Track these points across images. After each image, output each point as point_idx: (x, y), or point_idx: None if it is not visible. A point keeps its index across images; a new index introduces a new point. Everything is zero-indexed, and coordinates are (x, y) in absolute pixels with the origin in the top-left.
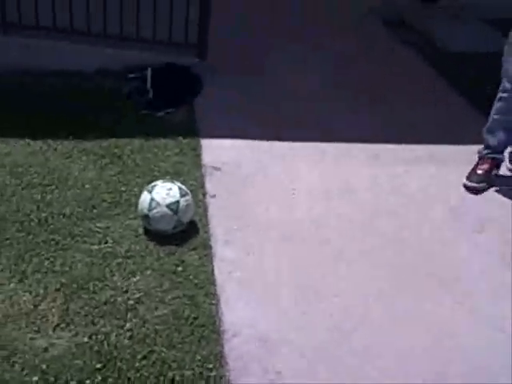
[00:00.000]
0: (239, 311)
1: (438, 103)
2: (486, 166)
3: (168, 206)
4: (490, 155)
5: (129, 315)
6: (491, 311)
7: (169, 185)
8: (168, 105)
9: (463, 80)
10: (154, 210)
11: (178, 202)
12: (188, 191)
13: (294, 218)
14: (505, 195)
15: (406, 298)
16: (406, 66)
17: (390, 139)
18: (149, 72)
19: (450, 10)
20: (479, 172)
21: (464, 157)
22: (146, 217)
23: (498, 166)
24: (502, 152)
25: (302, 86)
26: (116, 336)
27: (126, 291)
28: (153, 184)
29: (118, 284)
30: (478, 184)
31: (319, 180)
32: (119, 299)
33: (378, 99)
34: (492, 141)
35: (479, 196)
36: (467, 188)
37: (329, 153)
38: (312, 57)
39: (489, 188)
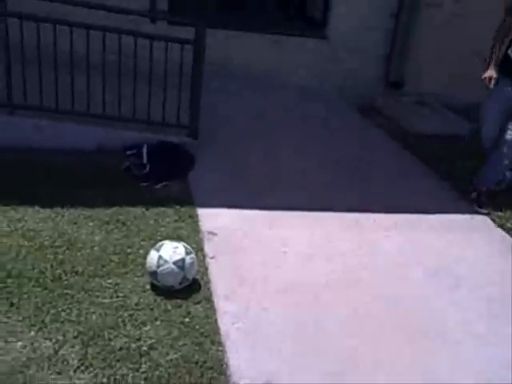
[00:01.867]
0: (243, 356)
1: (410, 177)
2: None
3: (175, 263)
4: None
5: (143, 359)
6: (474, 358)
7: (175, 244)
8: (164, 178)
9: (431, 157)
10: (162, 267)
11: (183, 259)
12: (192, 250)
13: (286, 276)
14: (476, 256)
15: (395, 348)
16: (379, 146)
17: (370, 208)
18: (145, 149)
19: (413, 97)
20: None
21: (434, 223)
22: (154, 273)
23: None
24: None
25: (289, 159)
26: (132, 378)
27: (139, 339)
28: (160, 243)
29: (131, 332)
30: None
31: (307, 243)
32: (133, 345)
33: (357, 173)
34: None
35: (453, 256)
36: None
37: (315, 218)
38: (298, 136)
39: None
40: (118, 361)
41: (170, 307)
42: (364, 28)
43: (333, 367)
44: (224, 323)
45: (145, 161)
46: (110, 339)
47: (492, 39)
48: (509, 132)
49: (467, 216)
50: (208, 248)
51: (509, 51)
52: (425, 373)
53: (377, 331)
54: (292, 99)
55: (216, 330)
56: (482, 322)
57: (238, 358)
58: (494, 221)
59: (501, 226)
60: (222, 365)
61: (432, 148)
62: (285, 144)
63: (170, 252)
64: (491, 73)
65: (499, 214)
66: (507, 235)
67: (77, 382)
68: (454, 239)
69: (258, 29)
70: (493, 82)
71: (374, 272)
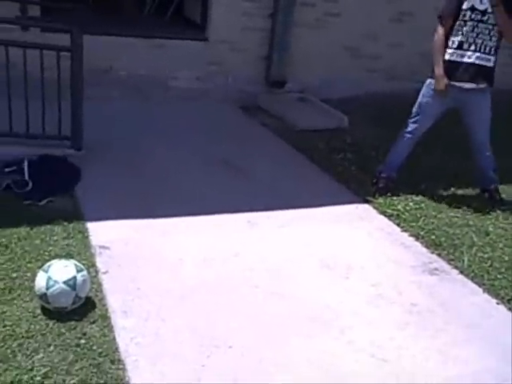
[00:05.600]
0: (145, 372)
1: (296, 172)
2: None
3: (65, 282)
4: None
5: None
6: (367, 341)
7: (64, 262)
8: (48, 194)
9: (313, 151)
10: (52, 288)
11: (75, 277)
12: (83, 267)
13: (183, 283)
14: (363, 244)
15: (294, 341)
16: (265, 143)
17: (261, 206)
18: (25, 164)
19: (295, 94)
20: None
21: (323, 215)
22: (44, 295)
23: None
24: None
25: (177, 165)
26: None
27: (31, 369)
28: (48, 264)
29: (22, 363)
30: None
31: (202, 248)
32: (25, 377)
33: (245, 173)
34: None
35: (342, 246)
36: None
37: (209, 222)
38: (185, 140)
39: None
40: None
41: (63, 330)
42: (243, 29)
43: (240, 371)
44: (122, 340)
45: (26, 177)
46: None
47: (432, 52)
48: (483, 133)
49: (352, 206)
50: (100, 263)
51: (447, 56)
52: (322, 359)
53: (276, 329)
54: (176, 103)
55: (114, 348)
56: (372, 306)
57: (139, 374)
58: (376, 209)
59: (383, 213)
60: None
61: (315, 142)
62: (172, 149)
63: (60, 271)
64: (444, 82)
65: (380, 201)
66: (389, 221)
67: None
68: (342, 229)
69: (138, 33)
70: (447, 90)
71: (270, 269)
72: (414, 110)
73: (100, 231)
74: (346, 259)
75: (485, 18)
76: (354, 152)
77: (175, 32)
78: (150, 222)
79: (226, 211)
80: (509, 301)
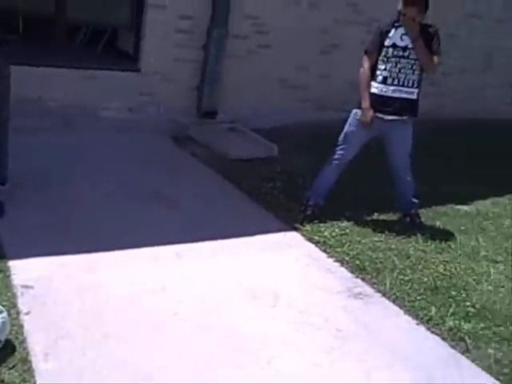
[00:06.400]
0: None
1: (226, 202)
2: None
3: None
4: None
5: None
6: (293, 369)
7: None
8: None
9: (243, 180)
10: None
11: None
12: (3, 309)
13: (108, 321)
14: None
15: (221, 372)
16: (195, 174)
17: (191, 237)
18: None
19: (227, 124)
20: None
21: (253, 243)
22: None
23: None
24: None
25: (105, 197)
26: None
27: None
28: None
29: None
30: None
31: (129, 282)
32: None
33: (175, 205)
34: None
35: (271, 274)
36: None
37: (137, 256)
38: (115, 171)
39: None
40: None
41: None
42: (176, 60)
43: None
44: None
45: None
46: None
47: (359, 84)
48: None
49: (280, 234)
50: (22, 303)
51: (373, 90)
52: None
53: (204, 361)
54: (107, 134)
55: None
56: (299, 333)
57: None
58: (304, 236)
59: (310, 240)
60: None
61: (245, 172)
62: (101, 181)
63: None
64: (370, 115)
65: (307, 228)
66: (316, 248)
67: None
68: (270, 258)
69: (69, 64)
70: (372, 122)
71: (198, 301)
72: (341, 138)
73: (23, 269)
74: (273, 287)
75: (406, 54)
76: (284, 180)
77: (107, 63)
78: (76, 258)
79: (155, 244)
80: (427, 321)
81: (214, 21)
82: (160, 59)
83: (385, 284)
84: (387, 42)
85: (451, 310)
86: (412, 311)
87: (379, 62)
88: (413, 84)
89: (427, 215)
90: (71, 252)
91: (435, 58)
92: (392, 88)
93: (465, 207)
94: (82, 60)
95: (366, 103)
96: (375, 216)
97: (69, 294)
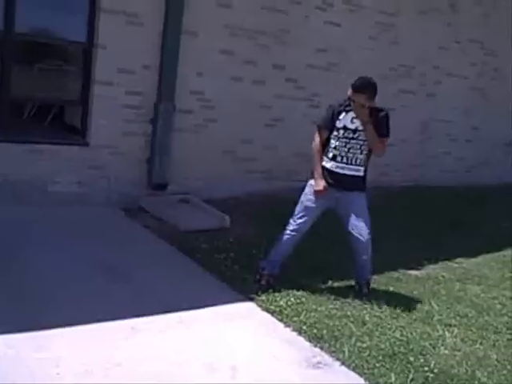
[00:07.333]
0: None
1: (179, 274)
2: None
3: None
4: None
5: None
6: None
7: None
8: None
9: (196, 252)
10: None
11: None
12: None
13: None
14: (248, 343)
15: None
16: (147, 246)
17: (145, 311)
18: None
19: (178, 196)
20: None
21: (208, 315)
22: None
23: None
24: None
25: (56, 272)
26: None
27: None
28: None
29: None
30: None
31: (82, 359)
32: None
33: (128, 278)
34: None
35: (228, 347)
36: None
37: (89, 332)
38: (65, 246)
39: None
40: None
41: None
42: (124, 133)
43: None
44: None
45: None
46: None
47: (312, 155)
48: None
49: (236, 305)
50: None
51: (324, 163)
52: None
53: None
54: (56, 208)
55: None
56: None
57: None
58: (260, 306)
59: (266, 310)
60: None
61: (198, 243)
62: (50, 256)
63: None
64: (322, 184)
65: (263, 298)
66: (272, 317)
67: None
68: (226, 329)
69: (16, 139)
70: (325, 191)
71: (154, 376)
72: (297, 208)
73: None
74: (231, 360)
75: (356, 135)
76: (237, 251)
77: (55, 137)
78: (26, 336)
79: (108, 319)
80: None
81: (161, 96)
82: (108, 133)
83: (343, 352)
84: (338, 124)
85: (411, 376)
86: (372, 379)
87: (331, 138)
88: (360, 162)
89: (380, 281)
90: (21, 330)
91: (384, 140)
92: (341, 165)
93: (416, 272)
94: (29, 134)
95: (317, 173)
96: (329, 283)
97: (18, 373)
